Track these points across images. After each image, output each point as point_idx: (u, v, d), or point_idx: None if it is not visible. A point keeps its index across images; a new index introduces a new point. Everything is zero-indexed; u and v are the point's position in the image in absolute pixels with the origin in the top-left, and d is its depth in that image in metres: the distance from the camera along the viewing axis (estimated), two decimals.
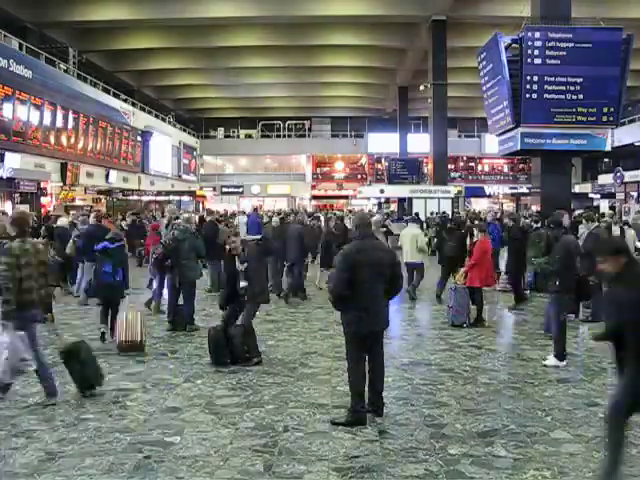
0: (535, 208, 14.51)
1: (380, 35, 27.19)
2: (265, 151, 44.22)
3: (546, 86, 11.00)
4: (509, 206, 39.17)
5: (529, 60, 10.98)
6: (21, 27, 23.34)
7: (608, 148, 11.91)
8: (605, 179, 33.10)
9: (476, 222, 12.38)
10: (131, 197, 30.43)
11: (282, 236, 11.34)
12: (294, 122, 43.99)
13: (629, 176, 27.91)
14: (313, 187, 44.32)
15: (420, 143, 34.10)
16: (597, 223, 9.89)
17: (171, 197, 31.02)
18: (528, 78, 11.00)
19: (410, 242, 11.01)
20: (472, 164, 44.88)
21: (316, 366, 6.70)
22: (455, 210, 25.83)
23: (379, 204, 35.42)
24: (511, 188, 42.72)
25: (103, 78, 28.00)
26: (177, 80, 35.55)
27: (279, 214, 16.33)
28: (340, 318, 5.23)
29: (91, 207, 21.92)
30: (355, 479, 4.01)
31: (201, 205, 38.13)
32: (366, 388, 5.15)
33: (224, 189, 43.05)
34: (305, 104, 41.61)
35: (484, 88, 12.64)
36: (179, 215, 10.44)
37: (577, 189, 36.36)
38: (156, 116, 33.97)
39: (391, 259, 5.20)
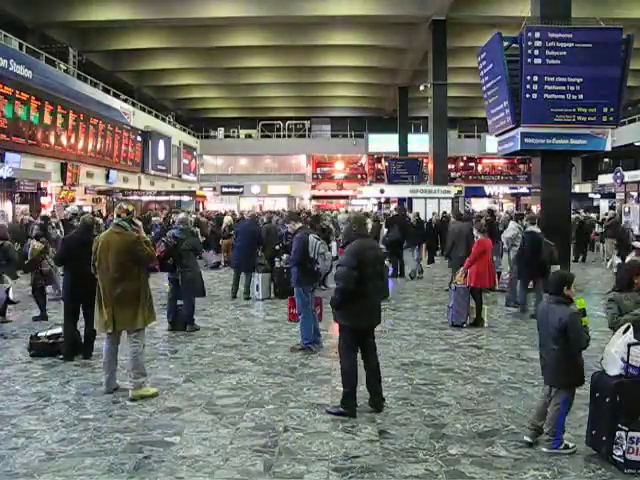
0: (535, 208, 14.50)
1: (380, 35, 27.20)
2: (265, 151, 44.18)
3: (546, 86, 10.99)
4: (509, 206, 39.17)
5: (529, 60, 10.98)
6: (21, 27, 23.35)
7: (608, 148, 11.90)
8: (605, 179, 33.15)
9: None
10: (131, 197, 30.43)
11: None
12: (294, 122, 43.97)
13: (629, 176, 27.96)
14: (313, 187, 44.31)
15: (420, 143, 34.10)
16: None
17: (171, 197, 30.98)
18: (528, 78, 11.00)
19: None
20: (472, 164, 44.87)
21: (316, 366, 6.70)
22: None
23: (379, 204, 35.41)
24: (511, 188, 42.75)
25: (103, 78, 27.99)
26: (177, 80, 35.55)
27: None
28: (337, 313, 5.29)
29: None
30: (355, 479, 4.01)
31: (201, 205, 38.11)
32: (365, 387, 5.28)
33: (224, 189, 43.02)
34: (305, 104, 41.61)
35: (484, 88, 12.63)
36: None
37: (577, 189, 36.40)
38: (156, 116, 33.95)
39: (382, 257, 5.74)
